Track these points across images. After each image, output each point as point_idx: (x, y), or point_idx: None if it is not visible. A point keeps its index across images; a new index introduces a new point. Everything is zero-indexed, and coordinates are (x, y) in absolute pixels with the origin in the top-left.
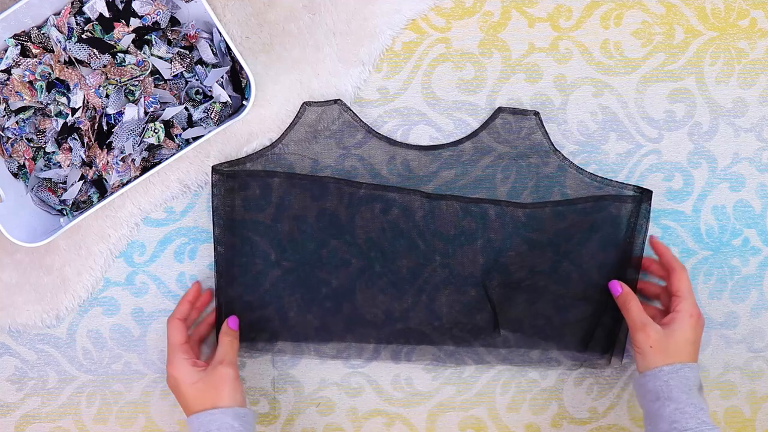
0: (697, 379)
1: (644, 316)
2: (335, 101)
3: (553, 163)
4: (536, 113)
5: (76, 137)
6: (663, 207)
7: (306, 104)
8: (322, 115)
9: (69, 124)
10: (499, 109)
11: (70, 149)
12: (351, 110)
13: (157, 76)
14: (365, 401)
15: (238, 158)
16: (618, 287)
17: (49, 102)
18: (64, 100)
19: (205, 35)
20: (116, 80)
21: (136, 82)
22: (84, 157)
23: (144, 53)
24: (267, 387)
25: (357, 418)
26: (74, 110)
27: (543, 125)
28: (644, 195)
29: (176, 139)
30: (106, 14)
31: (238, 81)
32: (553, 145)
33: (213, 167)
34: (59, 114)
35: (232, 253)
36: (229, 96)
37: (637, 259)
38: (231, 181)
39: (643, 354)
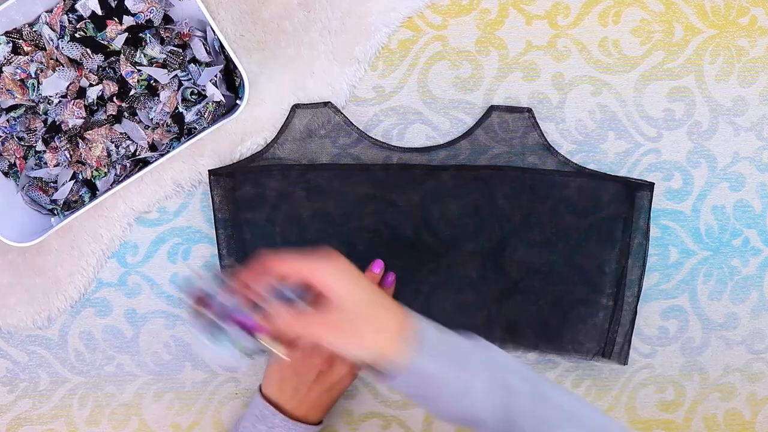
0: (434, 333)
1: (303, 320)
2: (325, 104)
3: (551, 162)
4: (529, 110)
5: (62, 136)
6: (662, 207)
7: (296, 107)
8: (313, 118)
9: (57, 123)
10: (492, 107)
11: (57, 148)
12: (342, 113)
13: (153, 81)
14: (361, 403)
15: (233, 163)
16: None
17: (39, 100)
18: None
19: (199, 33)
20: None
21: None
22: (69, 156)
23: (138, 59)
24: None
25: (353, 420)
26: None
27: (537, 122)
28: (646, 185)
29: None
30: (99, 12)
31: (231, 80)
32: (547, 142)
33: (210, 171)
34: (47, 112)
35: (228, 253)
36: (223, 95)
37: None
38: (228, 181)
39: (345, 339)
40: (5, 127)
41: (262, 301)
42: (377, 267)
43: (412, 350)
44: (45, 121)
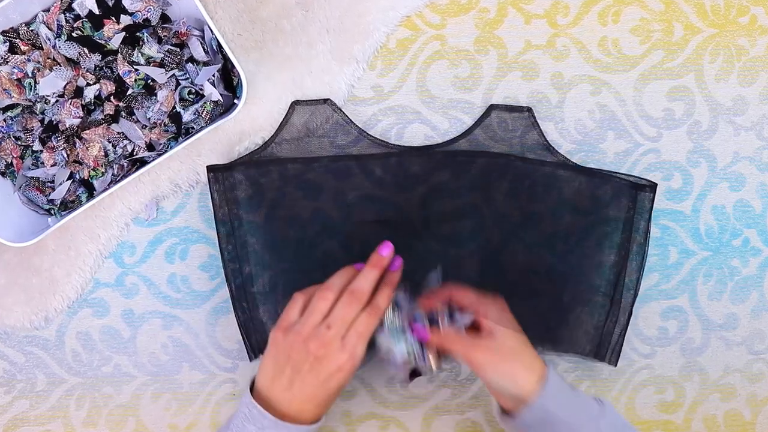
0: (560, 384)
1: (466, 340)
2: (325, 101)
3: (550, 162)
4: (529, 109)
5: (59, 135)
6: (662, 207)
7: (295, 104)
8: (312, 115)
9: (54, 122)
10: (492, 107)
11: (54, 148)
12: (341, 111)
13: (150, 80)
14: (359, 404)
15: (230, 161)
16: (425, 333)
17: (36, 100)
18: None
19: (197, 32)
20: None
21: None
22: (66, 155)
23: (135, 58)
24: None
25: (351, 422)
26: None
27: (537, 122)
28: (648, 186)
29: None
30: (96, 11)
31: (229, 79)
32: (547, 141)
33: (208, 167)
34: (44, 112)
35: (229, 250)
36: (221, 94)
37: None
38: (227, 176)
39: (493, 371)
40: (2, 127)
41: (439, 318)
42: (385, 249)
43: (543, 391)
44: (42, 121)
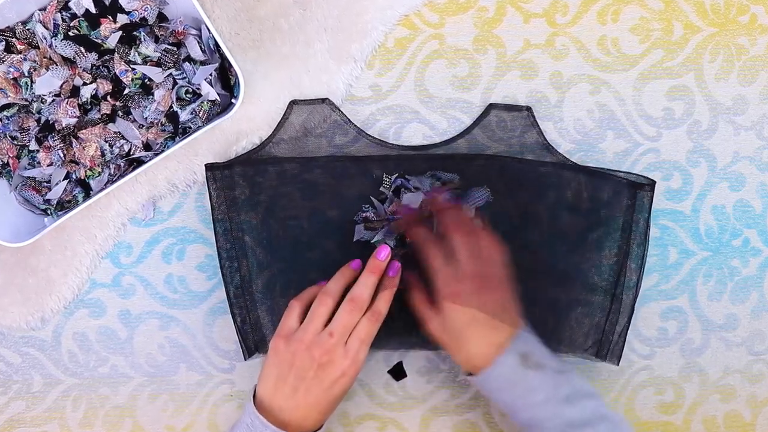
0: (509, 368)
1: (423, 310)
2: (323, 100)
3: (549, 161)
4: (528, 108)
5: (55, 135)
6: (661, 207)
7: (293, 103)
8: (311, 114)
9: (50, 122)
10: (491, 106)
11: (50, 148)
12: (340, 110)
13: (147, 80)
14: (357, 405)
15: (228, 160)
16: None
17: (33, 99)
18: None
19: (194, 31)
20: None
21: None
22: (63, 155)
23: (132, 58)
24: None
25: (349, 422)
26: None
27: (536, 121)
28: (647, 185)
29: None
30: (93, 10)
31: (227, 78)
32: (546, 141)
33: (206, 165)
34: (41, 111)
35: (226, 249)
36: (218, 94)
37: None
38: (225, 174)
39: (445, 348)
40: None
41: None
42: (382, 253)
43: (481, 376)
44: (38, 120)
